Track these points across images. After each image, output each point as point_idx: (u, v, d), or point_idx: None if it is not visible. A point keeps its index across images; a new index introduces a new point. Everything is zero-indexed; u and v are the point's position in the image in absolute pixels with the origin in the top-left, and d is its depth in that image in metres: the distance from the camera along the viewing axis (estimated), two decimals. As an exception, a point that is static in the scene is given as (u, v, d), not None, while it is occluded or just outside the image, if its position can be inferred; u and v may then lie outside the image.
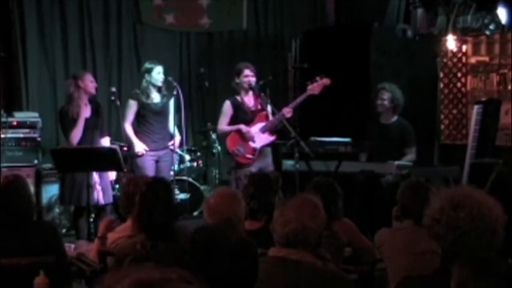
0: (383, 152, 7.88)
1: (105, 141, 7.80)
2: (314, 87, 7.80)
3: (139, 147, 7.79)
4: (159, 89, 7.91)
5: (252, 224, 4.80)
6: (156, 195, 4.25)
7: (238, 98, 7.87)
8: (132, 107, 7.85)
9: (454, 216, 2.61)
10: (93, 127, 7.57)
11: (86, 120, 7.54)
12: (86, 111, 7.52)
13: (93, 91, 7.64)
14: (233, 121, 7.83)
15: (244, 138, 7.75)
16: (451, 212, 2.62)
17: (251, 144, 7.75)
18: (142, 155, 7.79)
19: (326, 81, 7.83)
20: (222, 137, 8.16)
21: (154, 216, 4.14)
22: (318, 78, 7.86)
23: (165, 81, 7.96)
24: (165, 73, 7.96)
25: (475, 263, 2.39)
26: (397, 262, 4.26)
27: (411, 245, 4.23)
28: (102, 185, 7.48)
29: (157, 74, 7.85)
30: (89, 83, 7.61)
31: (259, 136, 7.78)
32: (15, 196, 4.29)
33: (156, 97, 7.90)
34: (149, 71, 7.86)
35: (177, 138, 8.05)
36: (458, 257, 2.55)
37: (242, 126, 7.76)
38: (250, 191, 5.03)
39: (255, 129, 7.79)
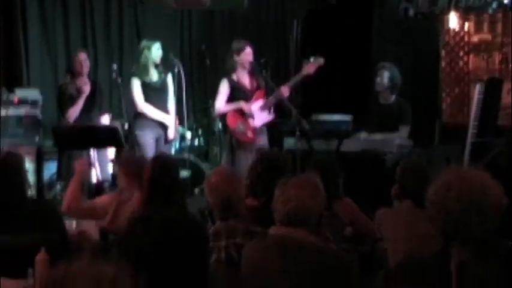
0: (381, 131, 7.90)
1: (105, 119, 7.83)
2: (309, 67, 7.77)
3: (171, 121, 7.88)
4: (156, 66, 7.89)
5: (253, 200, 4.80)
6: (166, 173, 4.30)
7: (235, 76, 7.80)
8: (138, 85, 7.80)
9: (444, 197, 2.62)
10: (90, 105, 7.61)
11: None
12: (86, 90, 7.56)
13: (81, 70, 7.70)
14: (230, 100, 7.76)
15: (245, 116, 7.72)
16: (443, 193, 2.63)
17: (251, 122, 7.72)
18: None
19: (320, 61, 7.79)
20: (221, 116, 8.10)
21: (165, 194, 4.17)
22: (312, 58, 7.81)
23: (165, 58, 7.94)
24: (164, 50, 7.94)
25: (475, 244, 2.39)
26: (397, 243, 4.28)
27: (410, 227, 4.24)
28: (100, 162, 7.49)
29: (157, 50, 7.83)
30: (77, 64, 7.69)
31: (258, 114, 7.75)
32: (7, 173, 4.29)
33: (154, 74, 7.87)
34: (149, 47, 7.83)
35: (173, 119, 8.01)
36: (453, 238, 2.56)
37: (243, 104, 7.71)
38: (257, 169, 4.99)
39: (254, 107, 7.76)
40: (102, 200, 5.23)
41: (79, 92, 7.63)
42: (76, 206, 5.03)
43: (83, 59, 7.74)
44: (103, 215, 4.94)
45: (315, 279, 3.14)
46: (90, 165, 5.33)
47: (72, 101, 7.51)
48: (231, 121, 7.74)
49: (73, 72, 7.77)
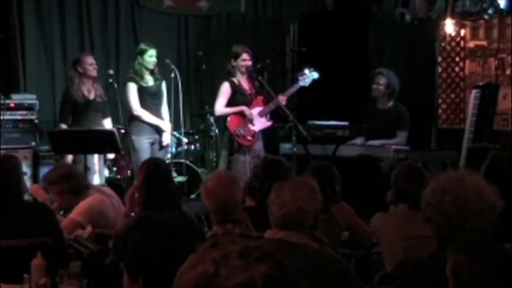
0: (378, 137, 7.91)
1: (107, 123, 7.91)
2: (304, 79, 7.84)
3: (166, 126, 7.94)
4: (151, 72, 7.92)
5: (251, 201, 4.79)
6: (160, 175, 4.30)
7: (235, 80, 7.84)
8: (135, 89, 7.85)
9: (441, 200, 2.62)
10: (95, 109, 7.70)
11: (90, 102, 7.66)
12: (91, 95, 7.66)
13: (93, 74, 7.77)
14: (230, 103, 7.79)
15: (245, 120, 7.73)
16: (440, 196, 2.63)
17: (250, 127, 7.74)
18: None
19: (314, 75, 7.86)
20: (220, 118, 8.12)
21: (161, 196, 4.17)
22: (306, 71, 7.88)
23: (161, 64, 7.97)
24: (158, 57, 7.96)
25: (470, 247, 2.40)
26: (393, 246, 4.28)
27: (406, 230, 4.24)
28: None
29: (150, 57, 7.86)
30: (88, 66, 7.74)
31: (258, 120, 7.77)
32: (5, 176, 4.28)
33: (149, 80, 7.92)
34: (142, 53, 7.88)
35: (168, 125, 8.03)
36: (449, 240, 2.56)
37: (245, 108, 7.73)
38: (258, 172, 4.97)
39: (254, 112, 7.78)
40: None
41: (87, 99, 7.74)
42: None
43: (92, 62, 7.82)
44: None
45: (312, 284, 3.13)
46: (45, 190, 5.31)
47: (76, 107, 7.62)
48: (232, 124, 7.74)
49: (80, 75, 7.80)
